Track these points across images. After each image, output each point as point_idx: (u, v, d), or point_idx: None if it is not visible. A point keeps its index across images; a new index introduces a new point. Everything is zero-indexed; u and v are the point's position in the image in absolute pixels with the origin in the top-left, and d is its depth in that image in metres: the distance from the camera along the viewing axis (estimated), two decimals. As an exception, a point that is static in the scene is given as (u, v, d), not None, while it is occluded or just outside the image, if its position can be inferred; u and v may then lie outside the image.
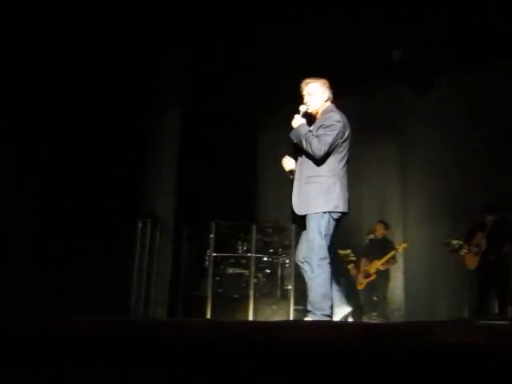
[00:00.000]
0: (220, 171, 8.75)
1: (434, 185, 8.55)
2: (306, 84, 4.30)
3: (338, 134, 4.07)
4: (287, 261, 8.25)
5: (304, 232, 4.30)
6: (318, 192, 4.09)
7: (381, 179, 9.30)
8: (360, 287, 8.37)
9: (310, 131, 4.14)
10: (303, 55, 8.79)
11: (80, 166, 7.92)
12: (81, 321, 3.25)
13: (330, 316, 3.95)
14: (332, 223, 4.12)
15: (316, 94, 4.26)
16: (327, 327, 3.34)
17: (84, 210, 8.17)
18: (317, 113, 4.30)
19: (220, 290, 8.14)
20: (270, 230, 8.58)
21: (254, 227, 8.24)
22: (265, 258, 8.33)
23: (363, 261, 8.42)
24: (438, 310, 8.35)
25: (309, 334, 2.60)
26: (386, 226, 8.49)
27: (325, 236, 4.05)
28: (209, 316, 7.67)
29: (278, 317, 7.78)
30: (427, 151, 8.75)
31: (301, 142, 4.14)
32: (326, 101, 4.30)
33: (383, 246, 8.33)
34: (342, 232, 9.39)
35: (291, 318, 7.80)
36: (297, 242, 8.33)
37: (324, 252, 4.02)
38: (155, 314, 8.29)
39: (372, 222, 8.81)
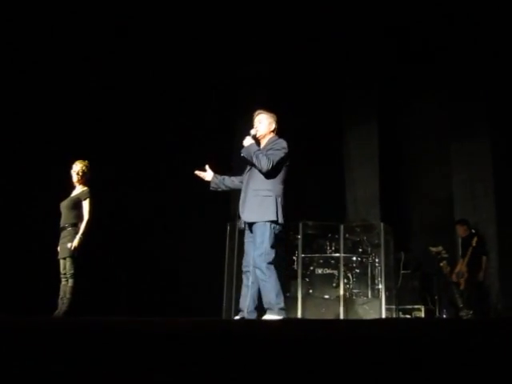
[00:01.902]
0: (307, 171, 8.70)
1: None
2: (257, 114, 5.04)
3: (284, 157, 4.80)
4: (377, 260, 8.15)
5: (248, 241, 4.86)
6: (262, 204, 4.72)
7: (472, 176, 9.02)
8: (461, 287, 8.23)
9: (259, 150, 4.83)
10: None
11: (171, 171, 8.21)
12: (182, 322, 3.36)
13: (285, 309, 4.68)
14: (273, 234, 4.69)
15: (264, 123, 5.00)
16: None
17: (175, 214, 8.44)
18: (262, 138, 5.00)
19: (310, 291, 8.14)
20: (359, 229, 8.50)
21: (342, 227, 8.20)
22: (354, 258, 8.25)
23: (460, 261, 8.31)
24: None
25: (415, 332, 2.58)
26: (466, 224, 8.33)
27: (270, 245, 4.63)
28: (299, 316, 7.69)
29: (369, 316, 7.70)
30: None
31: (251, 158, 4.77)
32: (272, 131, 5.03)
33: (467, 244, 8.21)
34: (433, 230, 9.27)
35: (383, 316, 7.70)
36: (386, 241, 8.31)
37: (270, 257, 4.61)
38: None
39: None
